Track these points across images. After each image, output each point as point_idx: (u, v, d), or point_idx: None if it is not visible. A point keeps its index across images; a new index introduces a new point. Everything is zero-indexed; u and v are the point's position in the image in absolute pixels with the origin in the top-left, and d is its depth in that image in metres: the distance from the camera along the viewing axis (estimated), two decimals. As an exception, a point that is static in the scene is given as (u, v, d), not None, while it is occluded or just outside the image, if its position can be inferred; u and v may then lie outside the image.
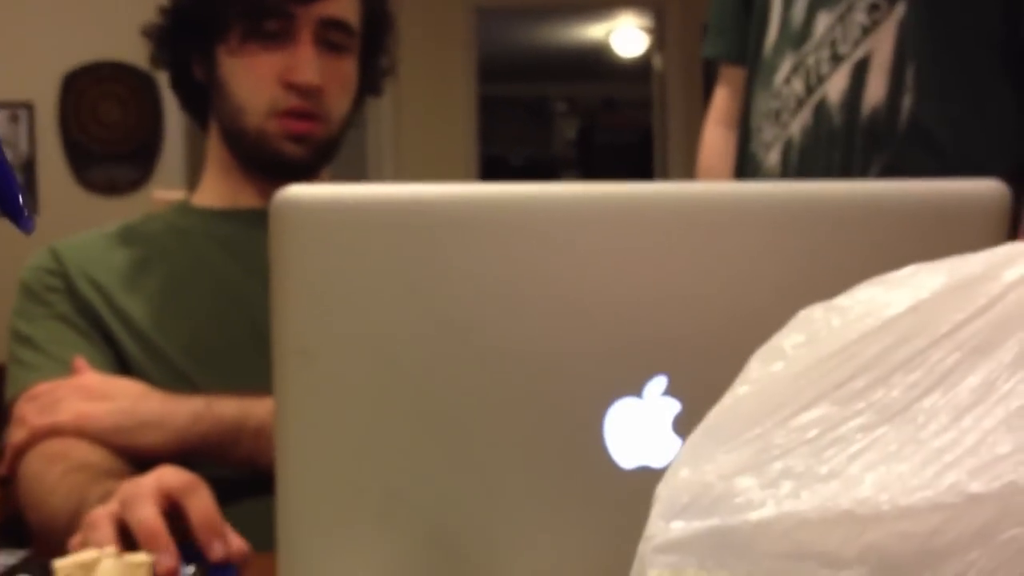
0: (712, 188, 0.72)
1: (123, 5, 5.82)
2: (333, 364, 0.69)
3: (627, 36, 7.91)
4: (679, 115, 6.13)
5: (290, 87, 1.35)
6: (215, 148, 1.44)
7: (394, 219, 0.68)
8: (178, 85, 1.47)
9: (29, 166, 5.96)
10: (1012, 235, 0.70)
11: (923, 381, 0.36)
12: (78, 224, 1.53)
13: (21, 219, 0.32)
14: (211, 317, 1.33)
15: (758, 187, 0.70)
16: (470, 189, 0.70)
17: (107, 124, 5.96)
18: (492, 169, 7.47)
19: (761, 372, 0.41)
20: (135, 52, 5.84)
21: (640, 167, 8.15)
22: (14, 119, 5.91)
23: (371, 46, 1.46)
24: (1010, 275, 0.37)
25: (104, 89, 5.92)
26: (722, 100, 1.83)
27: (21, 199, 0.33)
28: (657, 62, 6.42)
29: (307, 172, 1.41)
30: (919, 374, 0.36)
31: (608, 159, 9.17)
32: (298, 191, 0.68)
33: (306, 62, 1.35)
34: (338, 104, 1.40)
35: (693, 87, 5.96)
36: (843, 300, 0.42)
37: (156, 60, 1.46)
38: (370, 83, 1.48)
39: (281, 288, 0.69)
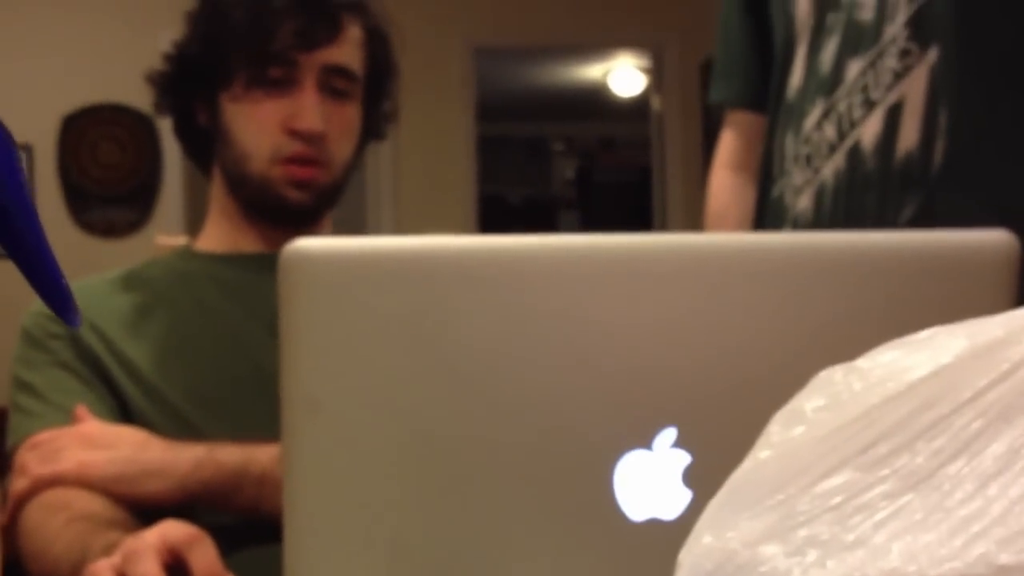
0: (722, 240, 0.72)
1: (123, 48, 5.85)
2: (341, 415, 0.69)
3: (625, 76, 7.94)
4: (677, 155, 6.16)
5: (293, 134, 1.36)
6: (218, 194, 1.44)
7: (402, 271, 0.69)
8: (181, 131, 1.47)
9: (28, 207, 5.96)
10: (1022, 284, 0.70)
11: (947, 447, 0.36)
12: (76, 266, 1.52)
13: (69, 314, 0.32)
14: (214, 363, 1.33)
15: (768, 239, 0.70)
16: (479, 241, 0.70)
17: (106, 166, 5.98)
18: (490, 208, 7.48)
19: (782, 436, 0.41)
20: (134, 94, 5.88)
21: (638, 207, 8.16)
22: (13, 161, 5.91)
23: (374, 91, 1.46)
24: (1032, 339, 0.37)
25: (103, 131, 5.94)
26: (731, 144, 1.81)
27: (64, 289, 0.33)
28: (655, 102, 6.45)
29: (310, 218, 1.41)
30: (943, 440, 0.36)
31: (606, 198, 9.18)
32: (307, 243, 0.68)
33: (309, 109, 1.35)
34: (341, 150, 1.40)
35: (691, 127, 5.99)
36: (863, 363, 0.42)
37: (159, 106, 1.47)
38: (373, 128, 1.49)
39: (290, 339, 0.69)
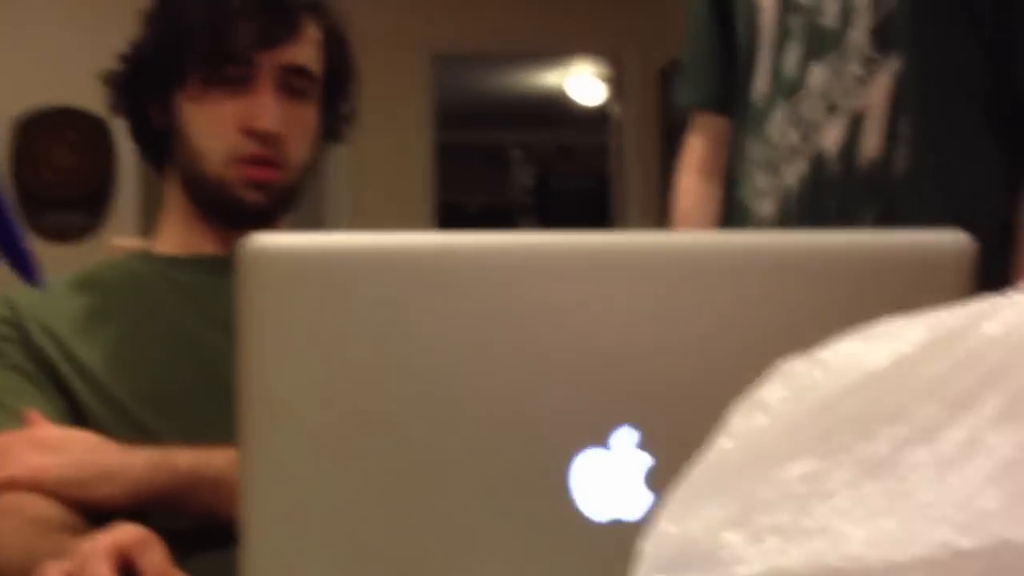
0: (682, 238, 0.72)
1: (77, 50, 5.80)
2: (298, 414, 0.68)
3: (583, 84, 7.96)
4: (636, 163, 6.17)
5: (250, 134, 1.35)
6: (174, 195, 1.43)
7: (360, 268, 0.68)
8: (137, 133, 1.46)
9: (-20, 212, 5.90)
10: (980, 284, 0.71)
11: (908, 435, 0.36)
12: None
13: (33, 275, 0.31)
14: (168, 366, 1.31)
15: (728, 238, 0.70)
16: (437, 239, 0.70)
17: (59, 170, 5.92)
18: (448, 215, 7.47)
19: (743, 425, 0.41)
20: (89, 97, 5.82)
21: (596, 214, 8.18)
22: (-35, 164, 5.86)
23: (332, 93, 1.45)
24: (990, 328, 0.37)
25: (57, 135, 5.88)
26: (697, 148, 1.82)
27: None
28: (614, 110, 6.46)
29: (267, 219, 1.40)
30: (903, 428, 0.36)
31: (564, 206, 9.20)
32: (264, 239, 0.68)
33: (267, 109, 1.34)
34: (298, 151, 1.39)
35: (650, 135, 6.01)
36: (825, 353, 0.42)
37: (115, 108, 1.45)
38: (331, 130, 1.48)
39: (246, 337, 0.68)
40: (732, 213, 1.68)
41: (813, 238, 0.72)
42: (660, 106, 5.85)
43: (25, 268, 0.31)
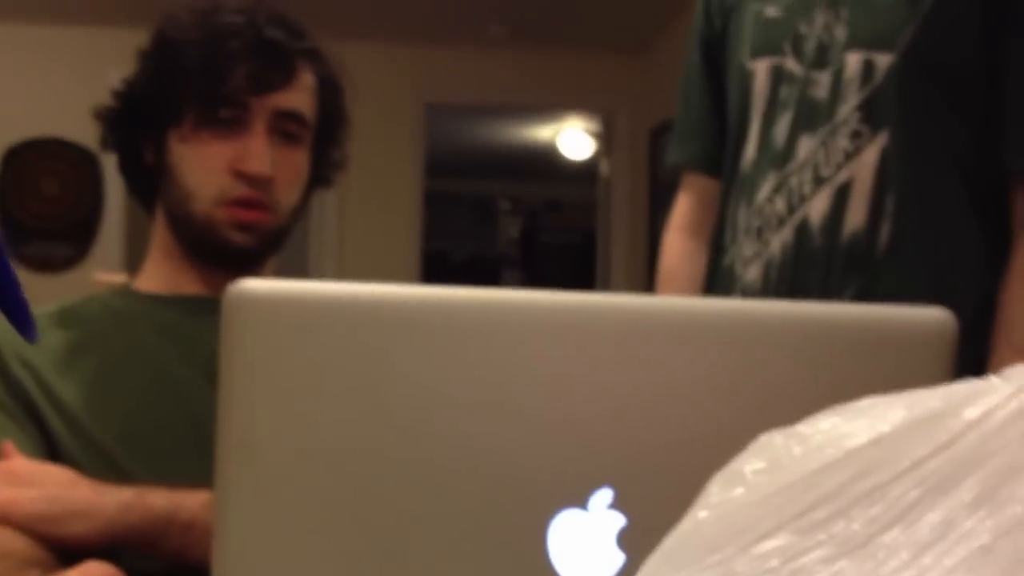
0: (664, 302, 0.72)
1: (69, 83, 5.81)
2: (276, 461, 0.68)
3: (574, 139, 8.01)
4: (623, 220, 6.20)
5: (240, 176, 1.35)
6: (160, 233, 1.43)
7: (345, 318, 0.68)
8: (126, 169, 1.46)
9: (-36, 238, 5.88)
10: (959, 361, 0.71)
11: (884, 516, 0.36)
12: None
13: (28, 328, 0.31)
14: (145, 405, 1.30)
15: (710, 303, 0.70)
16: (423, 292, 0.70)
17: (46, 200, 5.92)
18: (434, 264, 7.48)
19: (721, 497, 0.41)
20: (79, 130, 5.84)
21: (582, 269, 8.20)
22: (-47, 191, 5.85)
23: (324, 139, 1.46)
24: (970, 413, 0.38)
25: (45, 165, 5.88)
26: (685, 208, 1.83)
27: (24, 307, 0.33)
28: (604, 167, 6.50)
29: (253, 262, 1.40)
30: (880, 508, 0.36)
31: (550, 259, 9.22)
32: (251, 284, 0.68)
33: (258, 152, 1.35)
34: (288, 195, 1.40)
35: (639, 193, 6.04)
36: (804, 428, 0.42)
37: (105, 142, 1.46)
38: (321, 175, 1.48)
39: (228, 381, 0.68)
40: (719, 279, 1.69)
41: (797, 308, 0.72)
42: (650, 165, 5.88)
43: (21, 320, 0.31)
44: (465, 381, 0.69)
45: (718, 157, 1.73)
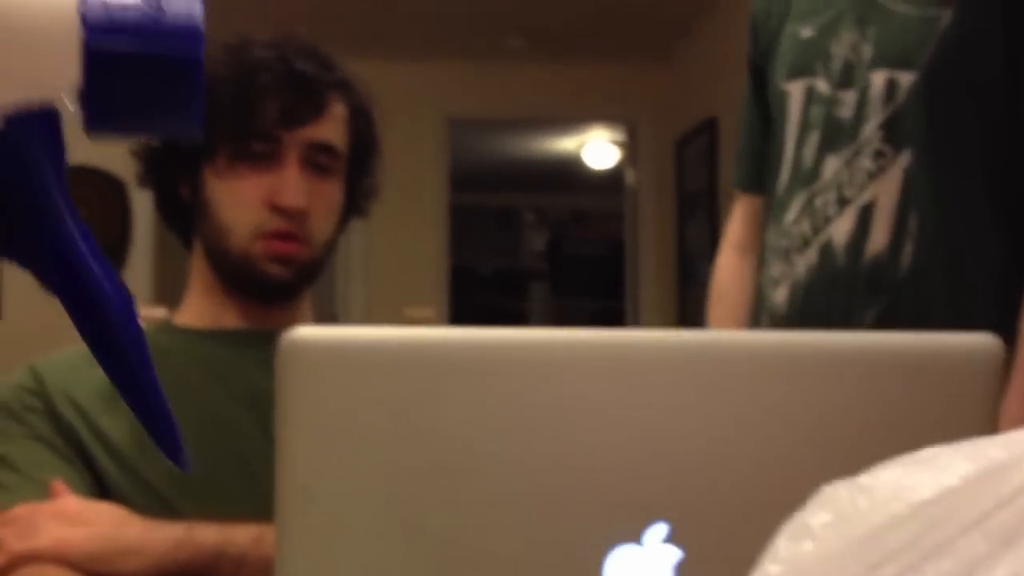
0: (714, 336, 0.73)
1: (98, 111, 5.85)
2: (335, 504, 0.69)
3: (598, 149, 8.00)
4: (651, 229, 6.20)
5: (275, 209, 1.36)
6: (198, 268, 1.44)
7: (398, 362, 0.69)
8: (163, 205, 1.47)
9: (-5, 270, 5.93)
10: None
11: (953, 571, 0.37)
12: (43, 330, 1.51)
13: (178, 453, 0.33)
14: (192, 441, 1.31)
15: (759, 337, 0.71)
16: (474, 334, 0.71)
17: (77, 228, 5.95)
18: (461, 278, 7.49)
19: (791, 551, 0.41)
20: (105, 157, 5.88)
21: (610, 279, 8.19)
22: (-17, 222, 5.89)
23: (357, 169, 1.47)
24: (1033, 463, 0.38)
25: (73, 193, 5.91)
26: (737, 226, 1.87)
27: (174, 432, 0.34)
28: (629, 176, 6.50)
29: (290, 293, 1.42)
30: (949, 563, 0.37)
31: (577, 270, 9.22)
32: (305, 332, 0.69)
33: (292, 185, 1.36)
34: (322, 226, 1.41)
35: (665, 202, 6.03)
36: (867, 479, 0.43)
37: (142, 179, 1.47)
38: (355, 205, 1.50)
39: (285, 427, 0.69)
40: (756, 301, 1.72)
41: (844, 339, 0.73)
42: (676, 175, 5.87)
43: (166, 439, 0.32)
44: (518, 420, 0.70)
45: (765, 178, 1.75)
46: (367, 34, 5.66)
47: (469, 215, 8.40)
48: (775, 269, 1.63)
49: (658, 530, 0.71)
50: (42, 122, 0.33)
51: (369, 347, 0.69)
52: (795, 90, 1.63)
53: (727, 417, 0.71)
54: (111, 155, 6.06)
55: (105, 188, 5.89)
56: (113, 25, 0.32)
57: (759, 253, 1.76)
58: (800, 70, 1.64)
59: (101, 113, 0.33)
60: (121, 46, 0.32)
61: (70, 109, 0.33)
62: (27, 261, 0.33)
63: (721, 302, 1.84)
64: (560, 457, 0.70)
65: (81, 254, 0.33)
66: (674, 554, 0.71)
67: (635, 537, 0.70)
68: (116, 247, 5.97)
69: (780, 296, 1.61)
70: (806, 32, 1.64)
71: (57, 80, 0.32)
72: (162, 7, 0.33)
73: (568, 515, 0.70)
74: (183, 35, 0.33)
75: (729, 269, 1.85)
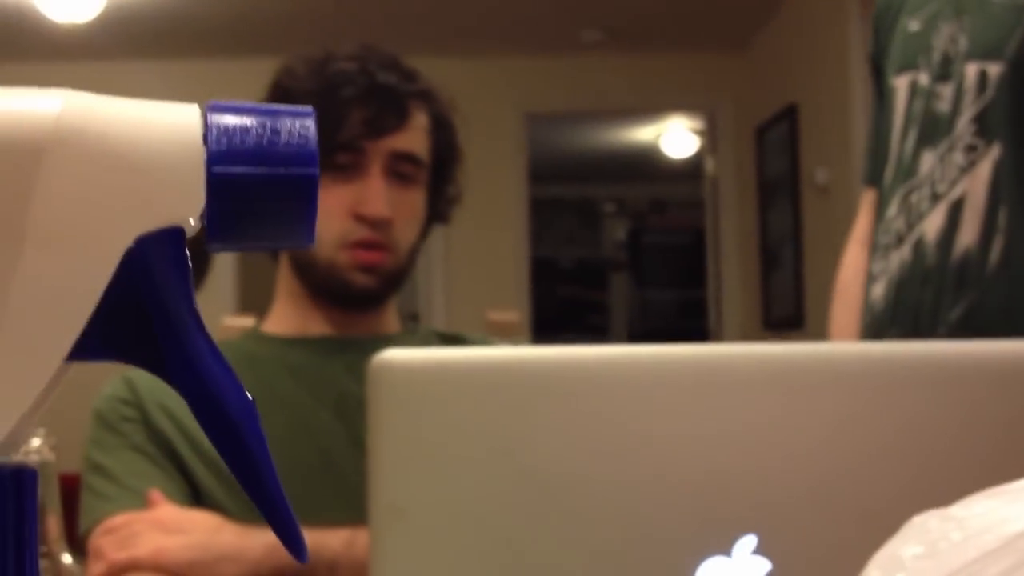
0: (800, 349, 0.73)
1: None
2: (427, 522, 0.70)
3: (677, 138, 7.95)
4: (732, 218, 6.15)
5: (360, 219, 1.38)
6: (285, 277, 1.47)
7: (487, 383, 0.70)
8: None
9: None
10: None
11: (1049, 605, 0.37)
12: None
13: (298, 545, 0.34)
14: (283, 447, 1.34)
15: (845, 348, 0.71)
16: (559, 352, 0.72)
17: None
18: (542, 271, 7.49)
19: (883, 585, 0.42)
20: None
21: (690, 268, 8.14)
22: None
23: (439, 176, 1.48)
24: None
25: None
26: (862, 220, 1.82)
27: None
28: (709, 165, 6.45)
29: (376, 301, 1.44)
30: (1044, 597, 0.37)
31: (658, 260, 9.17)
32: (396, 355, 0.70)
33: (376, 195, 1.38)
34: (406, 234, 1.42)
35: (746, 191, 5.98)
36: (958, 510, 0.43)
37: (228, 192, 1.50)
38: (437, 212, 1.51)
39: (377, 447, 0.70)
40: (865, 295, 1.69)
41: (929, 347, 0.72)
42: (756, 163, 5.82)
43: (290, 534, 0.33)
44: (607, 436, 0.71)
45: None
46: (445, 31, 5.68)
47: (548, 207, 8.40)
48: (875, 265, 1.62)
49: (747, 542, 0.71)
50: (168, 240, 0.35)
51: (458, 368, 0.70)
52: (901, 85, 1.62)
53: (815, 430, 0.71)
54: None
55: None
56: (233, 151, 0.34)
57: None
58: (906, 64, 1.62)
59: (222, 231, 0.35)
60: (241, 170, 0.35)
61: (193, 227, 0.36)
62: (156, 369, 0.35)
63: (842, 299, 1.80)
64: (649, 471, 0.71)
65: (206, 364, 0.35)
66: (763, 566, 0.71)
67: (725, 549, 0.71)
68: (200, 253, 6.04)
69: (877, 292, 1.60)
70: (914, 25, 1.62)
71: (184, 206, 0.34)
72: (277, 128, 0.35)
73: (658, 528, 0.71)
74: (298, 155, 0.35)
75: (853, 265, 1.79)
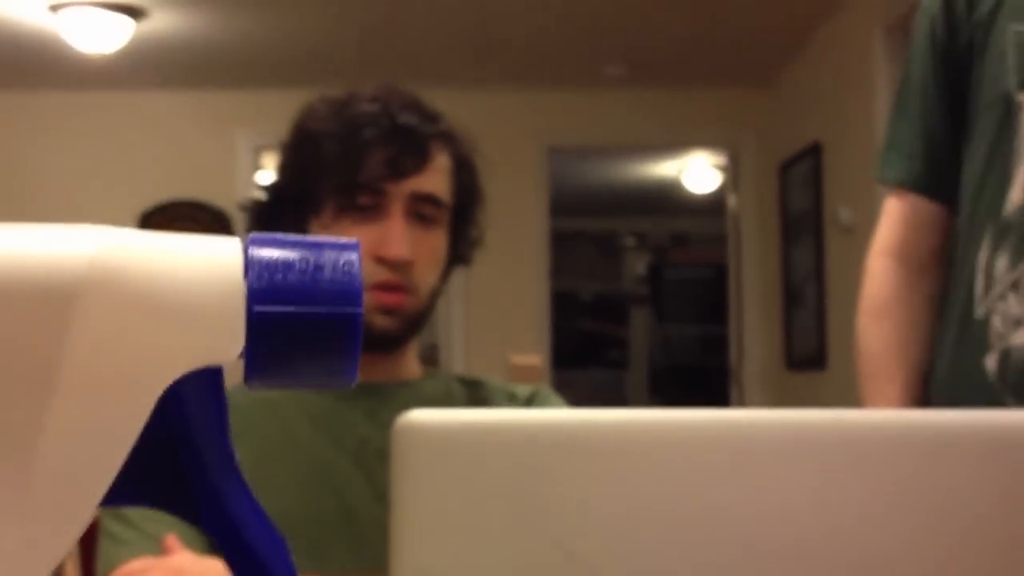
0: (837, 417, 0.70)
1: (200, 146, 5.98)
2: (447, 589, 0.68)
3: (698, 172, 7.95)
4: (755, 254, 6.13)
5: (381, 261, 1.37)
6: (305, 319, 1.45)
7: (512, 445, 0.68)
8: (271, 256, 1.49)
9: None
10: None
11: None
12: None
13: None
14: (300, 493, 1.32)
15: (894, 417, 0.68)
16: (588, 416, 0.70)
17: (183, 262, 6.06)
18: (562, 305, 7.48)
19: None
20: (210, 190, 5.98)
21: (711, 303, 8.12)
22: (92, 257, 6.03)
23: (461, 218, 1.47)
24: None
25: (180, 227, 6.01)
26: (896, 230, 1.63)
27: None
28: (732, 201, 6.43)
29: (396, 344, 1.42)
30: None
31: (678, 295, 9.15)
32: (420, 416, 0.69)
33: (397, 236, 1.36)
34: (427, 276, 1.41)
35: (769, 227, 5.95)
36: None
37: (251, 232, 1.49)
38: (459, 254, 1.49)
39: (402, 508, 0.68)
40: (970, 329, 1.50)
41: (974, 416, 0.70)
42: (780, 200, 5.79)
43: None
44: (634, 503, 0.68)
45: (943, 179, 1.56)
46: (468, 65, 5.70)
47: (568, 240, 8.40)
48: (1015, 306, 1.43)
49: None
50: (205, 380, 0.33)
51: (483, 431, 0.68)
52: None
53: (850, 501, 0.69)
54: (214, 188, 6.18)
55: (210, 221, 5.99)
56: (275, 289, 0.33)
57: (934, 268, 1.58)
58: None
59: (261, 370, 0.34)
60: (283, 309, 0.33)
61: (231, 364, 0.34)
62: (188, 515, 0.34)
63: (889, 316, 1.59)
64: (676, 540, 0.68)
65: (238, 510, 0.33)
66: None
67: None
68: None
69: (1022, 338, 1.42)
70: None
71: (223, 347, 0.33)
72: (321, 264, 0.34)
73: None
74: (342, 293, 0.34)
75: (890, 281, 1.60)
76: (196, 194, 5.97)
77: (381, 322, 1.38)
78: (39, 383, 0.31)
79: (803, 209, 5.40)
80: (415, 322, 1.42)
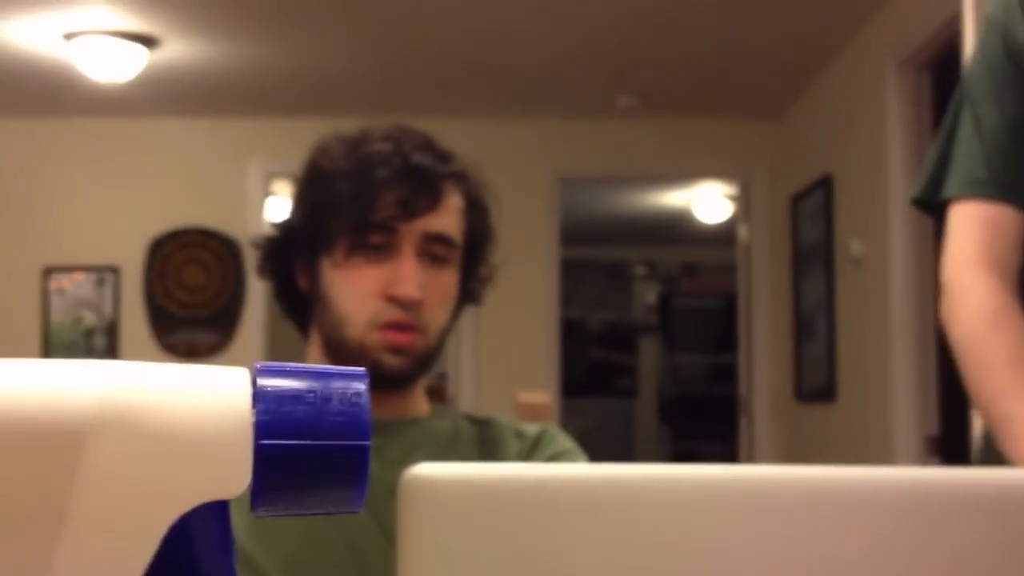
0: (848, 474, 0.70)
1: (211, 174, 6.00)
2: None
3: (709, 202, 7.95)
4: (765, 286, 6.12)
5: (392, 300, 1.36)
6: (315, 356, 1.45)
7: (520, 499, 0.68)
8: (281, 294, 1.49)
9: (112, 328, 6.07)
10: None
11: None
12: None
13: None
14: (309, 536, 1.32)
15: (896, 474, 0.68)
16: (598, 471, 0.69)
17: (191, 289, 6.08)
18: (571, 333, 7.47)
19: None
20: (219, 218, 5.99)
21: (722, 334, 8.11)
22: (100, 282, 6.05)
23: (472, 257, 1.47)
24: None
25: (189, 254, 6.05)
26: (982, 241, 1.47)
27: None
28: (742, 232, 6.43)
29: (405, 383, 1.41)
30: None
31: (688, 324, 9.14)
32: (428, 469, 0.68)
33: (408, 276, 1.36)
34: (437, 316, 1.41)
35: (779, 258, 5.95)
36: None
37: (262, 270, 1.49)
38: (469, 294, 1.49)
39: (410, 562, 0.68)
40: None
41: (986, 474, 0.69)
42: (791, 232, 5.79)
43: None
44: (645, 559, 0.68)
45: (1016, 183, 1.46)
46: (481, 95, 5.71)
47: (579, 268, 8.40)
48: None
49: None
50: (212, 513, 0.33)
51: (491, 486, 0.68)
52: None
53: (858, 556, 0.68)
54: (223, 216, 6.19)
55: (219, 248, 6.01)
56: (283, 422, 0.33)
57: (1018, 279, 1.46)
58: None
59: (267, 500, 0.34)
60: (290, 443, 0.33)
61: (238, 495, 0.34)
62: None
63: (1008, 329, 1.42)
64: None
65: None
66: None
67: None
68: (231, 305, 6.08)
69: None
70: None
71: (230, 480, 0.33)
72: (328, 395, 0.34)
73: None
74: (350, 426, 0.34)
75: (996, 293, 1.44)
76: (207, 222, 5.99)
77: (390, 361, 1.37)
78: (47, 521, 0.31)
79: (814, 241, 5.39)
80: (424, 361, 1.41)
